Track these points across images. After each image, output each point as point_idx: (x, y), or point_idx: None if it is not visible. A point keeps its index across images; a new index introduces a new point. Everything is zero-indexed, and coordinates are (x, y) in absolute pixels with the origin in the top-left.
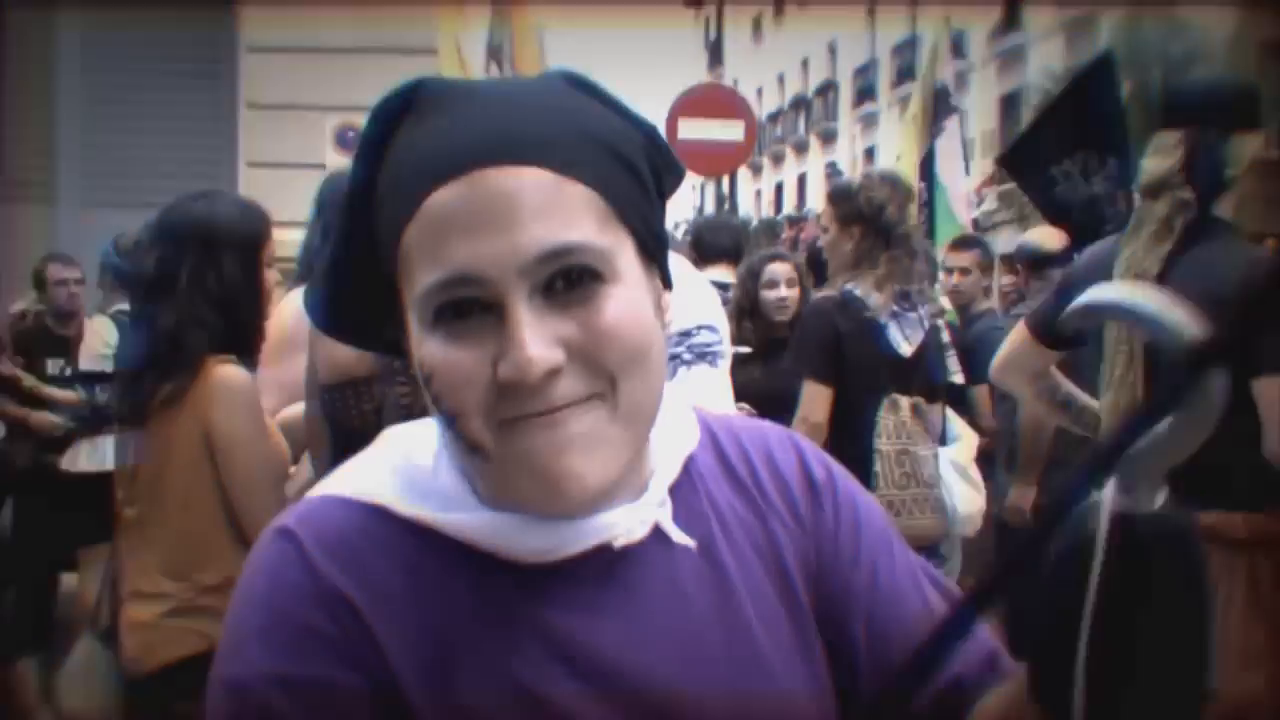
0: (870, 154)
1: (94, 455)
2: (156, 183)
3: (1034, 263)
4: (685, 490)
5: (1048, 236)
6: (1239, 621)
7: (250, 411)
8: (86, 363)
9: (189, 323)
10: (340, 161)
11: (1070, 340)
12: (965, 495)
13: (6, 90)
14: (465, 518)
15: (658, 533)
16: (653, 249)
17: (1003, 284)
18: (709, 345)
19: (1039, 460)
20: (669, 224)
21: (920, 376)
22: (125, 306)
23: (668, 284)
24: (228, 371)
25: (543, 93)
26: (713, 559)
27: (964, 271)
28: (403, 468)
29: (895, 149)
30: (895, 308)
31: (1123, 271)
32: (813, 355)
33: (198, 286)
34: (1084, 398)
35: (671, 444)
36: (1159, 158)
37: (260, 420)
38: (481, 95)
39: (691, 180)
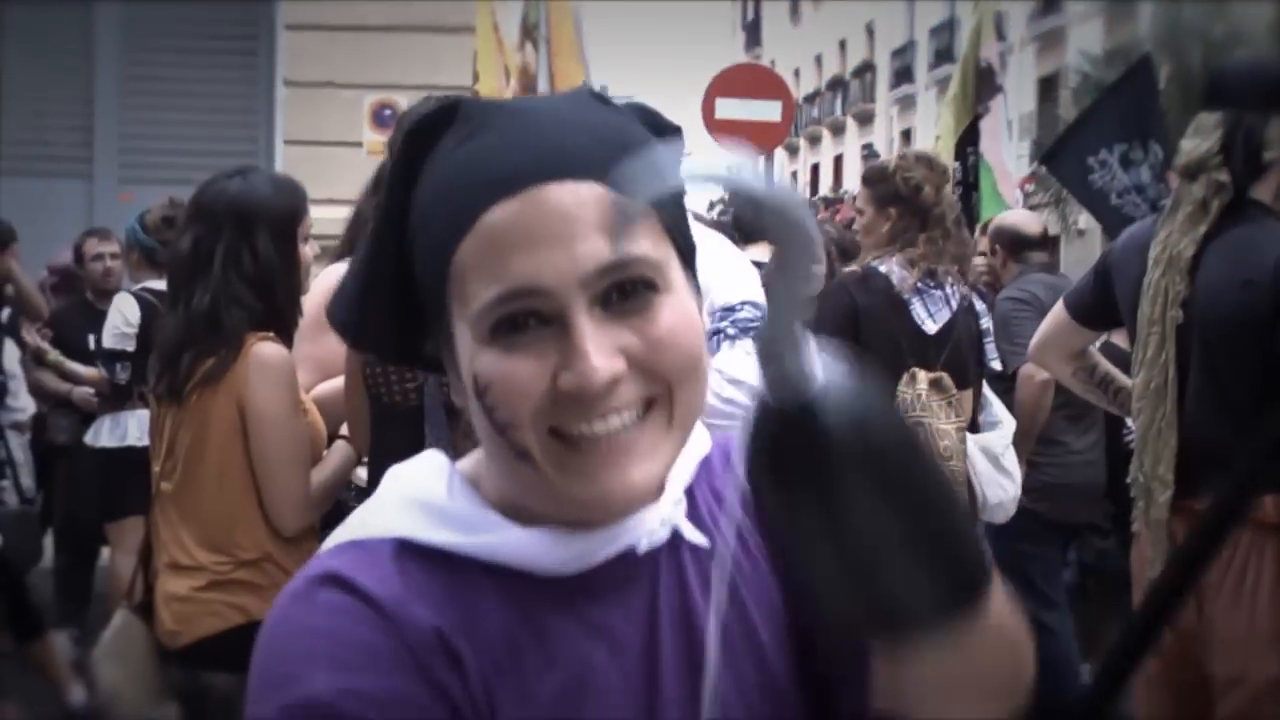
0: (907, 136)
1: (115, 430)
2: (194, 160)
3: (1013, 245)
4: (694, 491)
5: (1027, 219)
6: (1267, 605)
7: (285, 388)
8: (109, 340)
9: (226, 301)
10: (378, 140)
11: (1107, 321)
12: (995, 483)
13: (47, 67)
14: (494, 538)
15: (672, 534)
16: (690, 258)
17: (977, 264)
18: (752, 320)
19: (1030, 438)
20: (704, 203)
21: (948, 355)
22: (150, 283)
23: (698, 290)
24: (265, 348)
25: (583, 109)
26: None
27: (981, 254)
28: (416, 500)
29: (934, 130)
30: (920, 284)
31: (1159, 253)
32: (828, 328)
33: (233, 264)
34: (1122, 378)
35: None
36: (1197, 139)
37: (294, 397)
38: (527, 113)
39: (728, 160)
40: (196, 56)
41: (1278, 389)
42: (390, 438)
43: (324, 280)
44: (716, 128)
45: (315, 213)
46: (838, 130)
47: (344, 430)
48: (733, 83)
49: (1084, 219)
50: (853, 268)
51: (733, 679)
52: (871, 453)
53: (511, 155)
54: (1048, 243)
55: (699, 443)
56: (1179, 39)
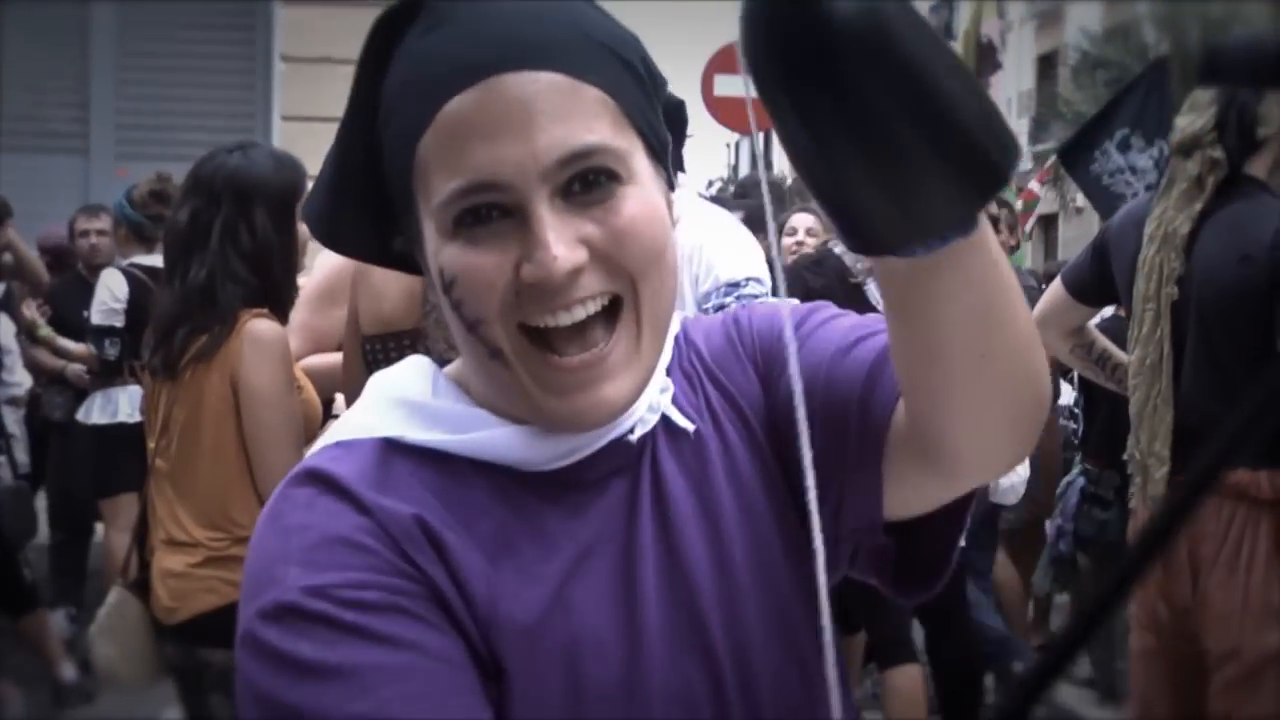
0: None
1: (107, 407)
2: (190, 135)
3: None
4: (671, 369)
5: None
6: (1262, 580)
7: (279, 366)
8: (97, 316)
9: (222, 276)
10: None
11: (1104, 297)
12: None
13: (43, 43)
14: (482, 435)
15: (664, 424)
16: (660, 151)
17: None
18: (756, 297)
19: None
20: (702, 182)
21: None
22: (138, 259)
23: (671, 186)
24: (259, 325)
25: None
26: (703, 441)
27: None
28: (401, 400)
29: None
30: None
31: (1154, 229)
32: None
33: (230, 240)
34: (1119, 354)
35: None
36: (1192, 116)
37: (288, 375)
38: (489, 2)
39: (726, 137)
40: (193, 32)
41: (1274, 364)
42: None
43: (333, 253)
44: (715, 105)
45: (309, 187)
46: None
47: (336, 408)
48: (732, 59)
49: (1081, 197)
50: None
51: (730, 557)
52: (884, 31)
53: (471, 45)
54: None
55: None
56: (1177, 16)
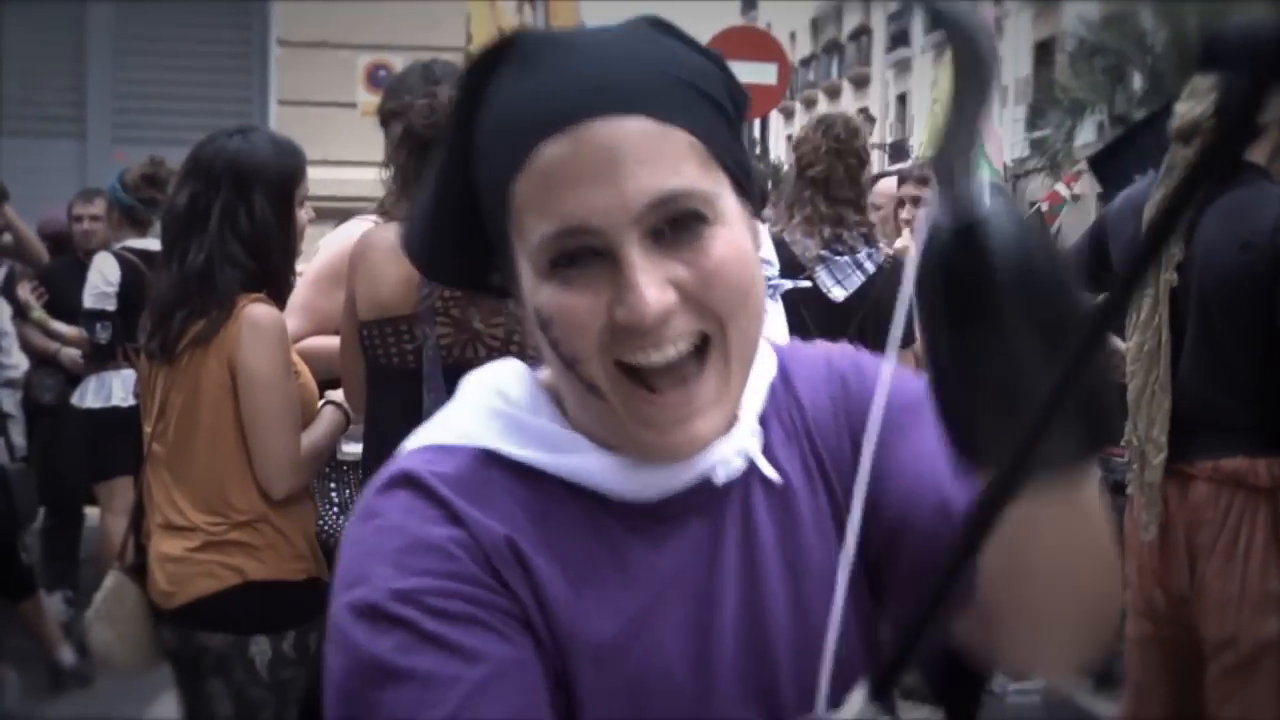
0: (903, 99)
1: (100, 391)
2: (187, 120)
3: None
4: (771, 419)
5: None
6: (1259, 567)
7: (277, 350)
8: (89, 300)
9: (220, 260)
10: (372, 100)
11: (1103, 283)
12: None
13: (39, 26)
14: (578, 460)
15: (750, 472)
16: (745, 184)
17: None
18: (768, 279)
19: None
20: None
21: (859, 322)
22: (131, 242)
23: (758, 214)
24: (257, 310)
25: (634, 41)
26: (792, 494)
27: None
28: (501, 411)
29: (931, 94)
30: (825, 252)
31: (1152, 215)
32: None
33: (229, 224)
34: (1115, 341)
35: (758, 372)
36: (1192, 102)
37: (286, 359)
38: (578, 46)
39: None
40: (190, 16)
41: (1275, 350)
42: (387, 401)
43: (342, 235)
44: None
45: (309, 174)
46: (833, 94)
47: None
48: (728, 45)
49: (1078, 185)
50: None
51: (809, 611)
52: (1034, 278)
53: (559, 91)
54: None
55: (765, 366)
56: (1175, 3)
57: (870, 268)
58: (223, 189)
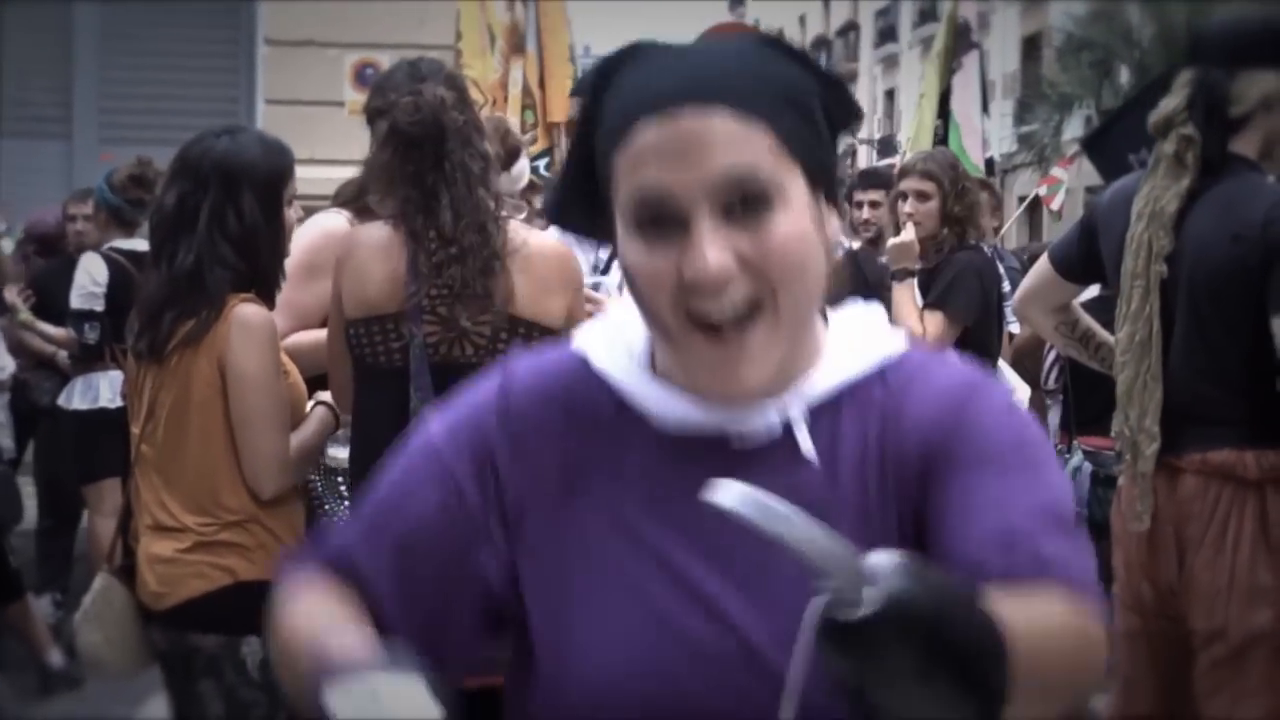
0: (891, 95)
1: (88, 393)
2: (174, 119)
3: None
4: (836, 413)
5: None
6: (1248, 559)
7: (266, 350)
8: (76, 300)
9: (209, 261)
10: (359, 99)
11: (1091, 275)
12: None
13: (25, 27)
14: (631, 383)
15: (791, 443)
16: (820, 178)
17: (863, 216)
18: None
19: None
20: None
21: None
22: (118, 243)
23: (835, 204)
24: (247, 310)
25: (734, 50)
26: (836, 485)
27: (874, 205)
28: (618, 325)
29: (919, 89)
30: None
31: (1142, 207)
32: None
33: (218, 224)
34: (1103, 334)
35: (835, 367)
36: (1172, 96)
37: (275, 359)
38: (686, 53)
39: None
40: (177, 16)
41: (1264, 343)
42: (374, 399)
43: (312, 227)
44: None
45: (297, 172)
46: None
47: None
48: (717, 41)
49: (1066, 176)
50: None
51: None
52: (929, 655)
53: (658, 82)
54: None
55: (848, 366)
56: None
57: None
58: (211, 189)
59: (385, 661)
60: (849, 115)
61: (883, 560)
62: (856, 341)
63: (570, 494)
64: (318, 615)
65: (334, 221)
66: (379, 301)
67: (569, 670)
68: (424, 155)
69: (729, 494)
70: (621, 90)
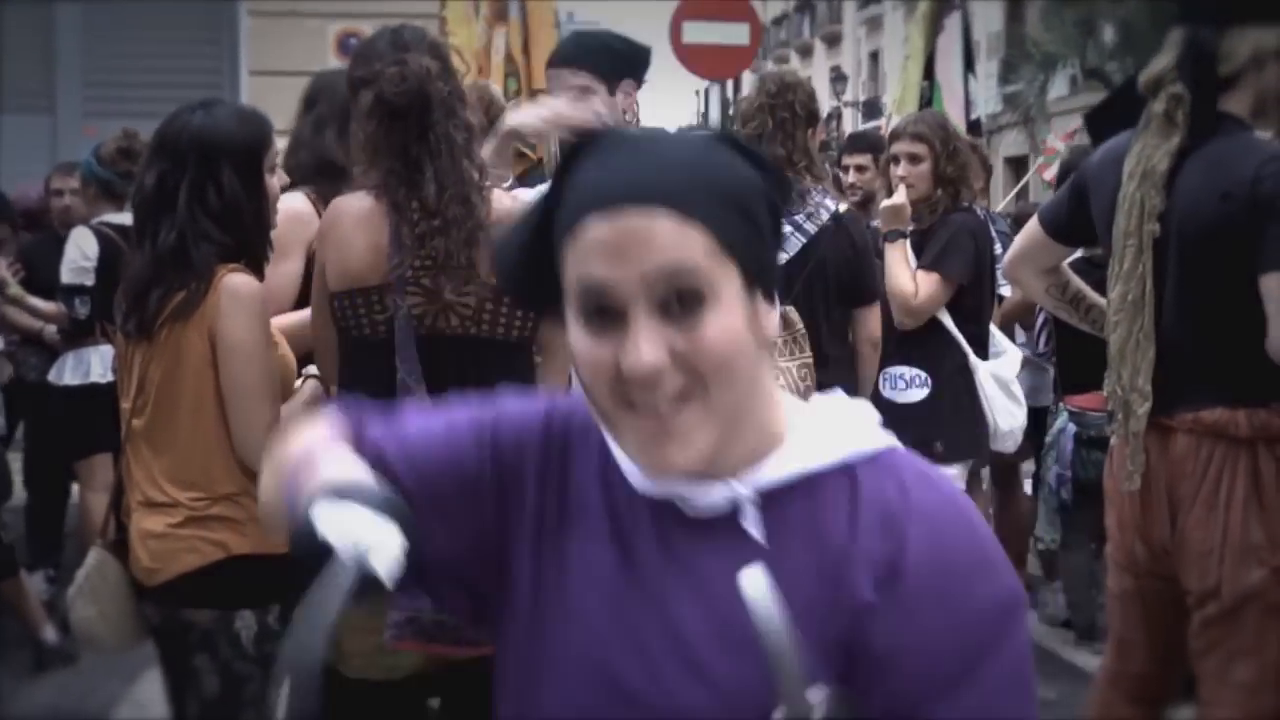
0: (875, 57)
1: (79, 368)
2: (158, 92)
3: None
4: (790, 501)
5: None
6: (1240, 518)
7: (256, 320)
8: (67, 275)
9: (193, 237)
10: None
11: (1081, 236)
12: (1006, 410)
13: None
14: (611, 444)
15: (733, 519)
16: (757, 276)
17: (849, 180)
18: None
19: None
20: (674, 126)
21: (800, 286)
22: (108, 217)
23: (771, 299)
24: (236, 280)
25: (685, 146)
26: (781, 573)
27: (860, 169)
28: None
29: (904, 50)
30: None
31: (1133, 166)
32: None
33: (198, 200)
34: (1093, 296)
35: (796, 455)
36: (1162, 55)
37: (265, 330)
38: (640, 146)
39: (695, 84)
40: None
41: (1254, 301)
42: (359, 371)
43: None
44: (683, 52)
45: (281, 143)
46: (805, 53)
47: (310, 370)
48: (700, 6)
49: (1052, 138)
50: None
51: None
52: None
53: (609, 179)
54: None
55: (812, 457)
56: None
57: (811, 229)
58: (189, 166)
59: (378, 498)
60: (788, 199)
61: (821, 697)
62: (825, 432)
63: (564, 532)
64: (325, 440)
65: (295, 202)
66: (362, 273)
67: (532, 712)
68: (408, 126)
69: (753, 584)
70: (577, 178)
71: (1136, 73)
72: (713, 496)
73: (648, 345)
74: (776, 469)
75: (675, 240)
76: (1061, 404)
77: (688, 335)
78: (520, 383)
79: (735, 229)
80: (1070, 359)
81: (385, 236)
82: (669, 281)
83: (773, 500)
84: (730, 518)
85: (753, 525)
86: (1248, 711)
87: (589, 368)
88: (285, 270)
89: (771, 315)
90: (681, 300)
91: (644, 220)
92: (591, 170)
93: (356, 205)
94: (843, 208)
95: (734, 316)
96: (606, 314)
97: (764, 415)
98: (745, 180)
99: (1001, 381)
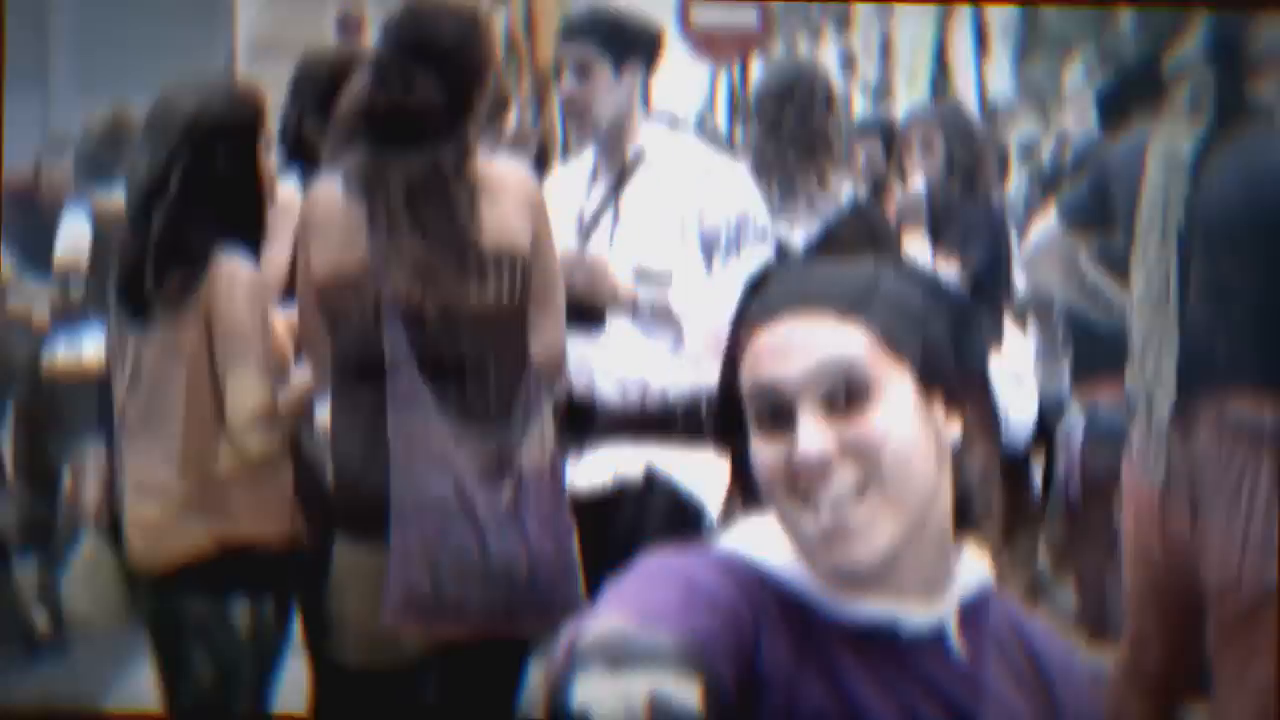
0: (887, 42)
1: (70, 350)
2: (154, 66)
3: None
4: (980, 619)
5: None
6: (1263, 515)
7: (252, 302)
8: (59, 255)
9: (186, 223)
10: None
11: (1103, 227)
12: (1018, 403)
13: None
14: (797, 575)
15: (939, 641)
16: (933, 383)
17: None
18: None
19: None
20: (682, 112)
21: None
22: (100, 196)
23: (957, 411)
24: (232, 264)
25: (843, 265)
26: (979, 677)
27: (871, 153)
28: (767, 524)
29: (914, 36)
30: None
31: (1157, 153)
32: None
33: (191, 184)
34: (1112, 286)
35: (974, 570)
36: (1188, 40)
37: (261, 312)
38: (797, 268)
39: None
40: None
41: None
42: (349, 352)
43: None
44: (694, 35)
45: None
46: (816, 35)
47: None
48: None
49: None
50: None
51: None
52: None
53: (774, 294)
54: None
55: (985, 571)
56: None
57: (828, 214)
58: (180, 152)
59: (657, 646)
60: (987, 332)
61: None
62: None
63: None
64: None
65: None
66: (346, 263)
67: None
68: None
69: None
70: (746, 312)
71: (1151, 54)
72: (928, 615)
73: (814, 434)
74: (966, 584)
75: (837, 337)
76: (1071, 397)
77: (856, 428)
78: (513, 352)
79: (901, 329)
80: (1081, 349)
81: (364, 222)
82: (834, 376)
83: (966, 614)
84: (930, 640)
85: (956, 642)
86: (1263, 710)
87: (766, 469)
88: (272, 256)
89: (953, 426)
90: (849, 395)
91: (806, 320)
92: (761, 295)
93: (332, 189)
94: (861, 195)
95: (904, 414)
96: (779, 415)
97: (948, 529)
98: (911, 291)
99: (1013, 373)
